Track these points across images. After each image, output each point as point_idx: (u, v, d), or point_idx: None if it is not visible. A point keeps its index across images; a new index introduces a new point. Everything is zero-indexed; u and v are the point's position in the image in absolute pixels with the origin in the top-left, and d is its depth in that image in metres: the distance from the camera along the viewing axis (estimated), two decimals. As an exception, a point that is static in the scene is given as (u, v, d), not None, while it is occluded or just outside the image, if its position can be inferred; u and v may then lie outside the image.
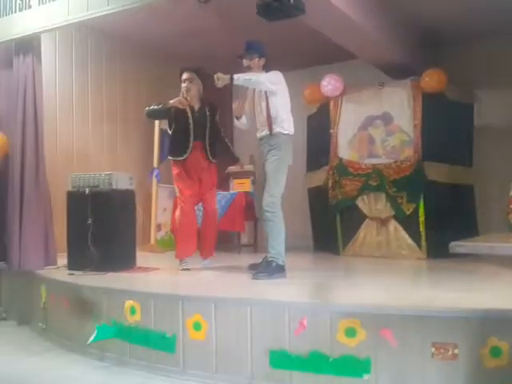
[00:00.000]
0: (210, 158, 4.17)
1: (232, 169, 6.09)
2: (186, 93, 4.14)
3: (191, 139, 4.09)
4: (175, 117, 4.16)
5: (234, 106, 3.99)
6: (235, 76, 3.61)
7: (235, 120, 4.04)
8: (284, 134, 3.76)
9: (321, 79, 5.59)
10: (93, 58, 5.88)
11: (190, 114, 4.14)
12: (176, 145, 4.19)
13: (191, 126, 4.11)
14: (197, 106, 4.21)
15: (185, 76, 4.17)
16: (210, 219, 4.28)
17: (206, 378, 2.76)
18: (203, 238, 4.32)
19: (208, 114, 4.20)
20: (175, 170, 4.18)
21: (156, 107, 4.16)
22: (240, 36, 3.98)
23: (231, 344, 2.75)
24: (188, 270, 4.11)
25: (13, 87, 4.29)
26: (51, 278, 3.81)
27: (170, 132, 4.25)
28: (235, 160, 4.53)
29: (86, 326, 3.21)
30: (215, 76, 3.62)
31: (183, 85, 4.16)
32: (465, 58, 5.77)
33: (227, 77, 3.60)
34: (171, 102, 4.11)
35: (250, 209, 5.24)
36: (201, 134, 4.13)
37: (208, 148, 4.15)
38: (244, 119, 4.03)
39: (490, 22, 5.30)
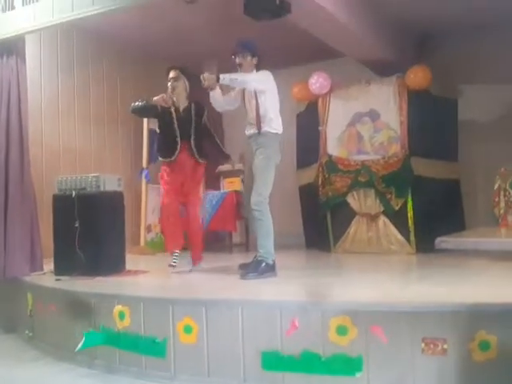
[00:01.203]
0: (197, 157, 4.15)
1: (222, 168, 6.08)
2: (172, 91, 4.14)
3: (178, 140, 4.08)
4: (161, 116, 4.16)
5: (205, 75, 3.66)
6: (221, 76, 3.59)
7: (210, 93, 3.85)
8: (272, 133, 3.75)
9: (309, 77, 5.60)
10: (79, 58, 5.82)
11: (174, 114, 4.12)
12: (164, 145, 4.19)
13: (176, 126, 4.09)
14: (182, 106, 4.19)
15: (170, 75, 4.17)
16: (193, 223, 4.24)
17: (198, 383, 2.73)
18: (189, 244, 4.30)
19: (194, 113, 4.18)
20: (162, 169, 4.20)
21: (140, 103, 4.15)
22: (227, 35, 3.97)
23: (223, 347, 2.72)
24: (173, 266, 4.08)
25: (-3, 89, 4.23)
26: (37, 284, 3.75)
27: (157, 131, 4.25)
28: (226, 158, 4.51)
29: (74, 333, 3.16)
30: (201, 76, 3.61)
31: (169, 83, 4.16)
32: (448, 53, 5.80)
33: (213, 77, 3.58)
34: (155, 98, 4.10)
35: (241, 208, 5.24)
36: (187, 134, 4.11)
37: (194, 148, 4.12)
38: (218, 91, 3.86)
39: (472, 19, 5.33)
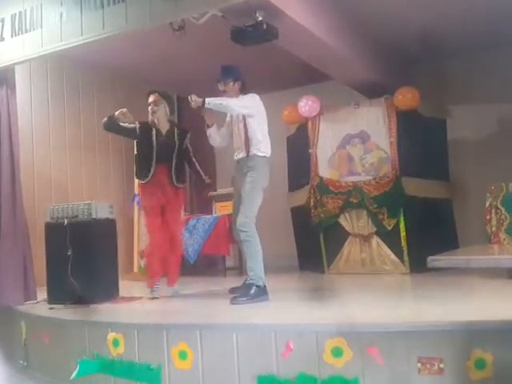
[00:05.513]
0: (175, 182, 4.14)
1: (214, 192, 6.10)
2: (152, 115, 4.15)
3: (153, 162, 4.06)
4: (141, 137, 4.16)
5: (206, 114, 3.91)
6: (207, 100, 3.65)
7: (207, 129, 3.99)
8: (260, 156, 3.79)
9: (298, 100, 5.66)
10: (69, 86, 5.86)
11: (154, 137, 4.12)
12: (140, 166, 4.18)
13: (154, 149, 4.08)
14: (164, 129, 4.19)
15: (150, 99, 4.18)
16: (173, 245, 4.22)
17: (193, 409, 2.70)
18: (167, 265, 4.27)
19: (177, 137, 4.19)
20: (141, 192, 4.21)
21: (105, 119, 4.02)
22: (216, 61, 4.03)
23: (218, 372, 2.70)
24: (156, 298, 4.07)
25: (-13, 120, 4.24)
26: (31, 313, 3.73)
27: (135, 152, 4.25)
28: (204, 182, 4.39)
29: (68, 362, 3.13)
30: (189, 97, 3.68)
31: (149, 107, 4.17)
32: (436, 74, 5.93)
33: (200, 100, 3.66)
34: (116, 113, 3.98)
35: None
36: (166, 158, 4.10)
37: (173, 172, 4.11)
38: (215, 128, 3.99)
39: (460, 40, 5.46)
